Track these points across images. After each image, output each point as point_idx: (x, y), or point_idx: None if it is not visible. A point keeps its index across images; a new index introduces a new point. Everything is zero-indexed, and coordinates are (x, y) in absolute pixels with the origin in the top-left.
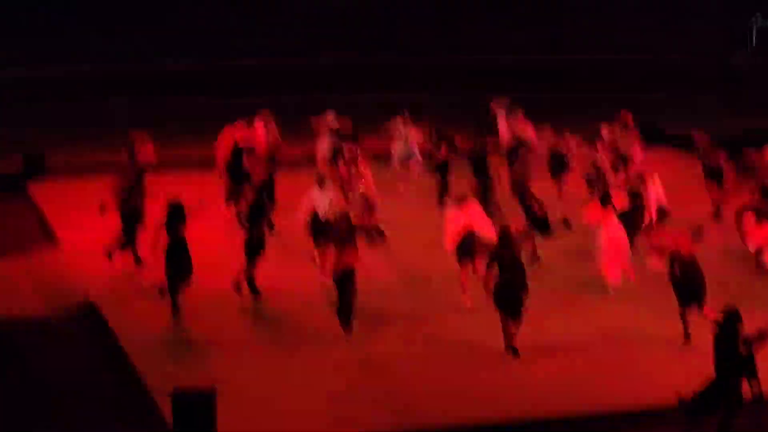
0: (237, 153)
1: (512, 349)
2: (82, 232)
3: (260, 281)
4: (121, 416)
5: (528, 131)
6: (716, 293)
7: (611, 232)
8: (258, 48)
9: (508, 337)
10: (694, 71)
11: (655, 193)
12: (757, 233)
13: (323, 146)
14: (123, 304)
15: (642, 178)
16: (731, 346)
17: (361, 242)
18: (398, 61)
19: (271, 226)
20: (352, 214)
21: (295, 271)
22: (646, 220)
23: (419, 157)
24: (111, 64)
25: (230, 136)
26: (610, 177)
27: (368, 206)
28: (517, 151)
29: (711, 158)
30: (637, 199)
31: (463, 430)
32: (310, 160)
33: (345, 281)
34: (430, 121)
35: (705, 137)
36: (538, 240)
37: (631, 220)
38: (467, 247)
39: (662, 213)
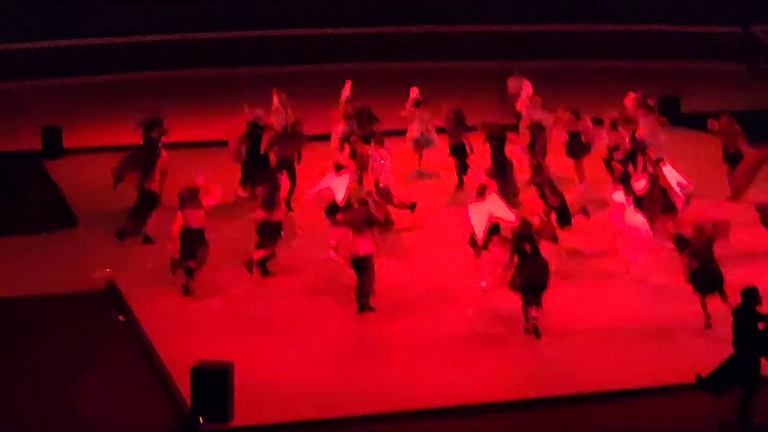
0: (253, 134)
1: (534, 331)
2: (100, 210)
3: (276, 261)
4: (139, 392)
5: (545, 113)
6: (735, 277)
7: (631, 215)
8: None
9: (530, 320)
10: (719, 42)
11: (674, 176)
12: None
13: (339, 129)
14: (141, 281)
15: (660, 161)
16: (750, 324)
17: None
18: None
19: (289, 208)
20: (369, 200)
21: (309, 252)
22: (665, 204)
23: (436, 139)
24: (129, 36)
25: (244, 117)
26: (630, 159)
27: (383, 192)
28: (535, 134)
29: (730, 141)
30: (656, 181)
31: (478, 410)
32: (327, 138)
33: (363, 265)
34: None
35: (725, 119)
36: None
37: (651, 203)
38: (487, 235)
39: (681, 198)
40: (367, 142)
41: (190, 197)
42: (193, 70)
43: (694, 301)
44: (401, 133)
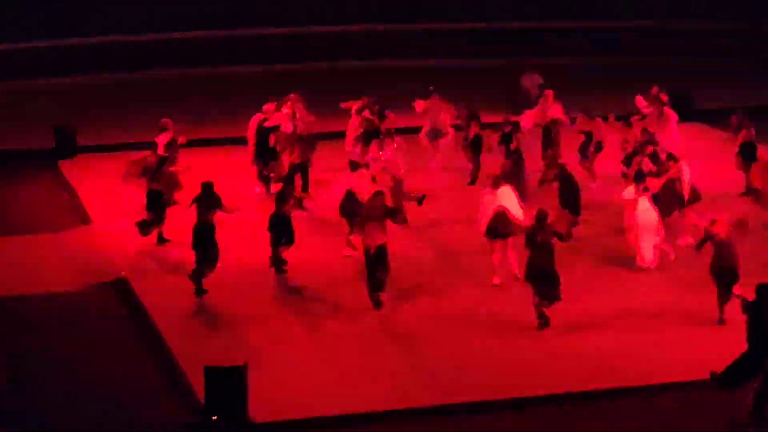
0: (262, 133)
1: (544, 322)
2: (113, 209)
3: (291, 257)
4: (152, 391)
5: (557, 111)
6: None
7: (645, 211)
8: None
9: (541, 314)
10: (728, 37)
11: (687, 173)
12: None
13: (353, 126)
14: (154, 279)
15: (674, 158)
16: (763, 320)
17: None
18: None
19: (302, 207)
20: (384, 195)
21: (324, 247)
22: (679, 200)
23: (450, 134)
24: (140, 34)
25: (258, 117)
26: (644, 156)
27: (397, 189)
28: (549, 132)
29: (744, 134)
30: (671, 177)
31: (490, 405)
32: (341, 137)
33: (377, 259)
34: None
35: (739, 113)
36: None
37: (664, 199)
38: (501, 228)
39: (695, 194)
40: (377, 137)
41: (206, 193)
42: (206, 68)
43: (708, 298)
44: (410, 131)
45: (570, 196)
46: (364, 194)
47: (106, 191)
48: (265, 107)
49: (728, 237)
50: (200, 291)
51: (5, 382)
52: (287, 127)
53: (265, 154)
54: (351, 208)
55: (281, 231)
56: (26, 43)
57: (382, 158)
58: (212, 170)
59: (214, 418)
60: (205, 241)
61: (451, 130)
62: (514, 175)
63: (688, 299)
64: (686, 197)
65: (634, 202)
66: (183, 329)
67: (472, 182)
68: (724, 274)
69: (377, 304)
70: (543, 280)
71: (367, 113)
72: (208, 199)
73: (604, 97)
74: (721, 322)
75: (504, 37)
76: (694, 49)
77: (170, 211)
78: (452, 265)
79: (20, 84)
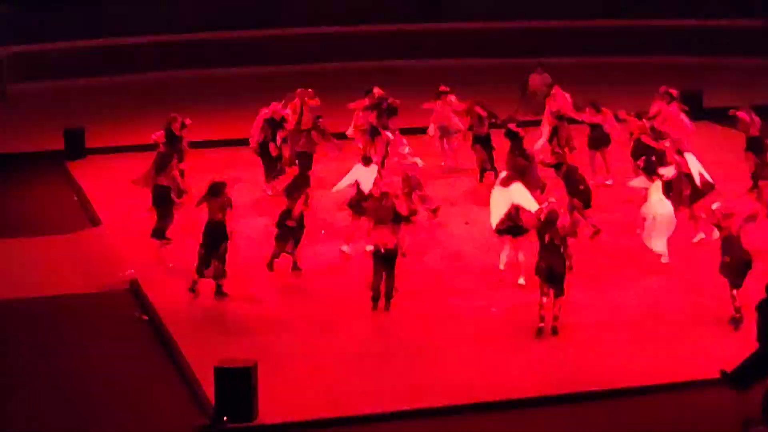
0: (267, 130)
1: (553, 327)
2: (123, 210)
3: (298, 258)
4: (163, 391)
5: (566, 105)
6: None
7: (658, 202)
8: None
9: (550, 314)
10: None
11: (695, 164)
12: None
13: (361, 122)
14: (164, 280)
15: (683, 152)
16: None
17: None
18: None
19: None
20: (393, 193)
21: (329, 251)
22: (691, 193)
23: (461, 130)
24: (149, 35)
25: (263, 114)
26: (655, 150)
27: (413, 182)
28: (558, 127)
29: (752, 130)
30: (681, 170)
31: (499, 406)
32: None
33: (385, 262)
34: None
35: (747, 109)
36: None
37: (676, 193)
38: (510, 225)
39: (708, 186)
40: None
41: (217, 190)
42: (216, 69)
43: (719, 295)
44: (419, 131)
45: (576, 189)
46: (372, 190)
47: (115, 192)
48: (272, 105)
49: (738, 232)
50: (194, 287)
51: (16, 384)
52: (291, 123)
53: (269, 155)
54: (359, 204)
55: (291, 229)
56: (36, 45)
57: (403, 156)
58: (220, 170)
59: (225, 418)
60: (216, 239)
61: (462, 128)
62: (525, 171)
63: (688, 299)
64: (700, 190)
65: (647, 196)
66: (192, 329)
67: (481, 177)
68: (735, 268)
69: (376, 307)
70: (551, 279)
71: (373, 117)
72: (220, 198)
73: (612, 96)
74: (735, 321)
75: (514, 36)
76: (706, 48)
77: (177, 212)
78: (461, 264)
79: (29, 86)
